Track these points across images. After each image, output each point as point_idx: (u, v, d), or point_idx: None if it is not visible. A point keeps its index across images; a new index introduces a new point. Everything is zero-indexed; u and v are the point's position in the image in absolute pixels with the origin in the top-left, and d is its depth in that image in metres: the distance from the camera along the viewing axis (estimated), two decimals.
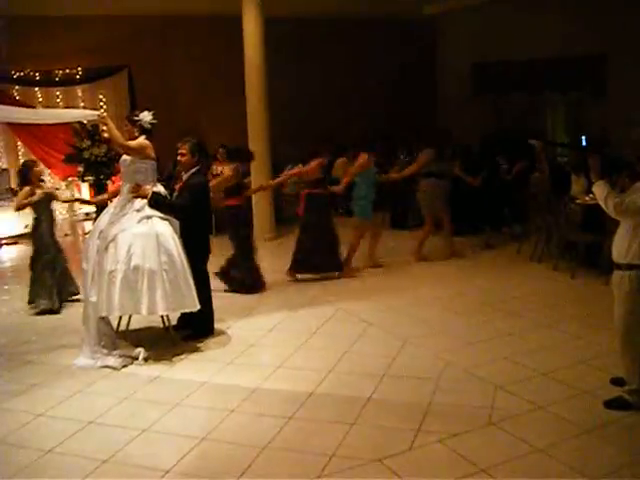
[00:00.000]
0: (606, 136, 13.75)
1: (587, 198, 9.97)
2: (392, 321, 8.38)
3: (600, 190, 5.78)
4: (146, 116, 7.73)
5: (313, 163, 10.28)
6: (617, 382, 6.11)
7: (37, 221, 9.34)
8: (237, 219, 9.97)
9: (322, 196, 10.40)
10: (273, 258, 12.24)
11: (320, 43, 18.34)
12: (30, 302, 9.34)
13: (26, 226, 14.30)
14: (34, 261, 9.33)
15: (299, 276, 10.49)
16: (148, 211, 7.43)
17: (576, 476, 4.84)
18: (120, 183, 8.00)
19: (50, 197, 9.44)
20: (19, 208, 9.35)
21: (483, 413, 5.83)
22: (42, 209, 9.32)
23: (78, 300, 9.14)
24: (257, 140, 13.25)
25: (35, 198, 9.16)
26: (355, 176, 10.79)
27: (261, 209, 13.34)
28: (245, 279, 9.86)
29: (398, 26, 19.26)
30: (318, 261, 10.36)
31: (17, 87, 16.14)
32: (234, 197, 9.94)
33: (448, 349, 7.35)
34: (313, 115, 17.93)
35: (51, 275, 9.24)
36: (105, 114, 8.07)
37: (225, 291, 9.79)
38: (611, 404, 5.84)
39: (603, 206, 5.79)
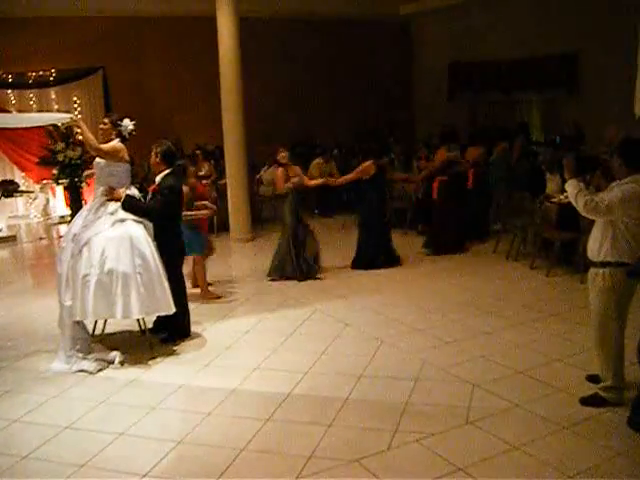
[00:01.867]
0: (581, 134, 13.86)
1: (562, 197, 10.00)
2: (369, 321, 8.38)
3: (572, 188, 5.83)
4: (128, 125, 7.69)
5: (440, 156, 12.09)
6: (593, 379, 6.16)
7: None
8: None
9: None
10: (249, 259, 12.24)
11: (295, 43, 18.36)
12: None
13: (0, 230, 14.25)
14: None
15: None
16: (122, 214, 7.38)
17: (553, 473, 4.87)
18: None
19: None
20: None
21: (460, 412, 5.85)
22: None
23: None
24: (232, 140, 13.20)
25: None
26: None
27: (237, 210, 13.30)
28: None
29: (374, 26, 19.33)
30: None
31: None
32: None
33: (425, 348, 7.37)
34: (288, 115, 17.96)
35: None
36: (78, 117, 8.02)
37: None
38: (587, 401, 5.89)
39: (574, 204, 5.84)
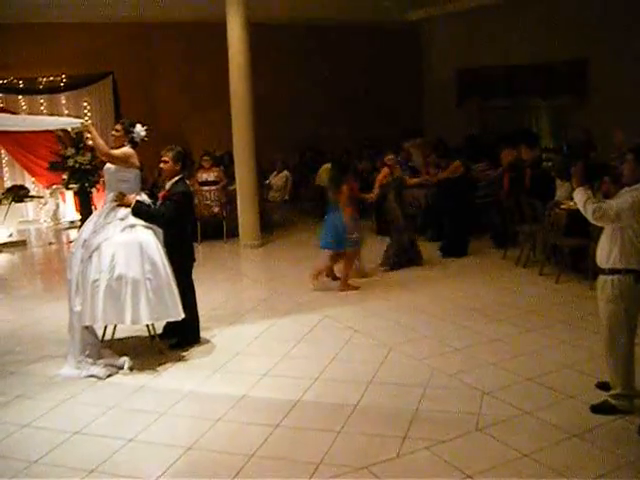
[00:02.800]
0: (591, 141, 13.82)
1: (572, 203, 9.94)
2: (378, 328, 8.37)
3: (580, 196, 5.83)
4: (140, 131, 7.73)
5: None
6: (603, 386, 6.13)
7: None
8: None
9: None
10: (257, 265, 12.24)
11: (305, 49, 18.38)
12: None
13: (10, 234, 14.28)
14: None
15: None
16: (132, 220, 7.41)
17: None
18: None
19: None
20: None
21: (470, 419, 5.84)
22: None
23: None
24: (242, 145, 13.18)
25: None
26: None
27: (246, 216, 13.28)
28: None
29: (383, 32, 19.33)
30: None
31: (0, 95, 16.06)
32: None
33: (434, 355, 7.36)
34: (298, 120, 17.96)
35: None
36: (89, 122, 8.06)
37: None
38: (597, 408, 5.87)
39: (583, 212, 5.84)
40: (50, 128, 11.45)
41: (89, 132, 7.75)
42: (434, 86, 20.15)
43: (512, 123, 17.27)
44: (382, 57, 19.57)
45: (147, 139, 7.80)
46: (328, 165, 15.53)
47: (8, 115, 11.47)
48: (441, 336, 7.96)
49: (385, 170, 11.29)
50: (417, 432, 5.65)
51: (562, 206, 10.26)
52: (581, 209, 5.84)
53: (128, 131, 7.73)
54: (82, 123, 7.94)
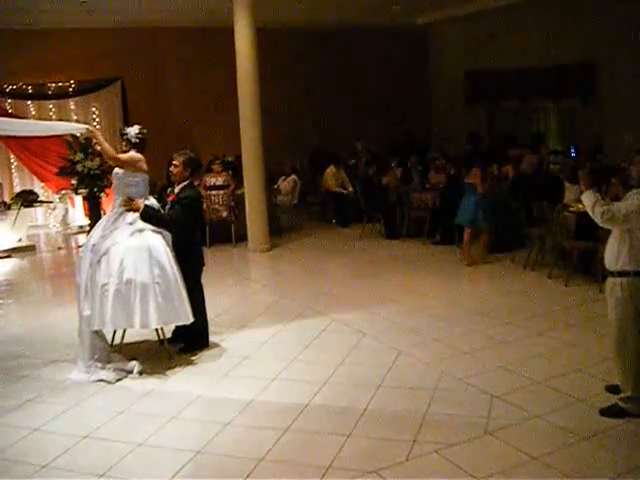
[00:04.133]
0: (599, 143, 13.81)
1: (580, 206, 9.93)
2: (386, 331, 8.36)
3: (588, 199, 5.82)
4: (132, 131, 7.73)
5: None
6: (612, 389, 6.12)
7: None
8: None
9: None
10: (266, 269, 12.24)
11: (312, 53, 18.42)
12: None
13: (20, 239, 14.32)
14: None
15: None
16: (140, 224, 7.41)
17: None
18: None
19: None
20: None
21: (479, 423, 5.83)
22: None
23: None
24: (250, 150, 13.19)
25: None
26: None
27: (255, 220, 13.27)
28: None
29: (391, 35, 19.36)
30: None
31: (10, 100, 16.15)
32: None
33: (443, 359, 7.35)
34: (306, 124, 17.99)
35: None
36: (94, 127, 8.08)
37: None
38: (607, 412, 5.85)
39: (591, 215, 5.83)
40: (56, 133, 11.47)
41: (95, 138, 7.75)
42: (443, 88, 20.18)
43: (520, 125, 17.29)
44: (391, 60, 19.61)
45: (142, 135, 7.75)
46: (333, 168, 15.61)
47: (15, 120, 11.51)
48: (450, 339, 7.95)
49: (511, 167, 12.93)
50: (426, 435, 5.65)
51: (571, 209, 10.24)
52: (589, 212, 5.84)
53: (122, 135, 7.77)
54: (87, 129, 7.94)
